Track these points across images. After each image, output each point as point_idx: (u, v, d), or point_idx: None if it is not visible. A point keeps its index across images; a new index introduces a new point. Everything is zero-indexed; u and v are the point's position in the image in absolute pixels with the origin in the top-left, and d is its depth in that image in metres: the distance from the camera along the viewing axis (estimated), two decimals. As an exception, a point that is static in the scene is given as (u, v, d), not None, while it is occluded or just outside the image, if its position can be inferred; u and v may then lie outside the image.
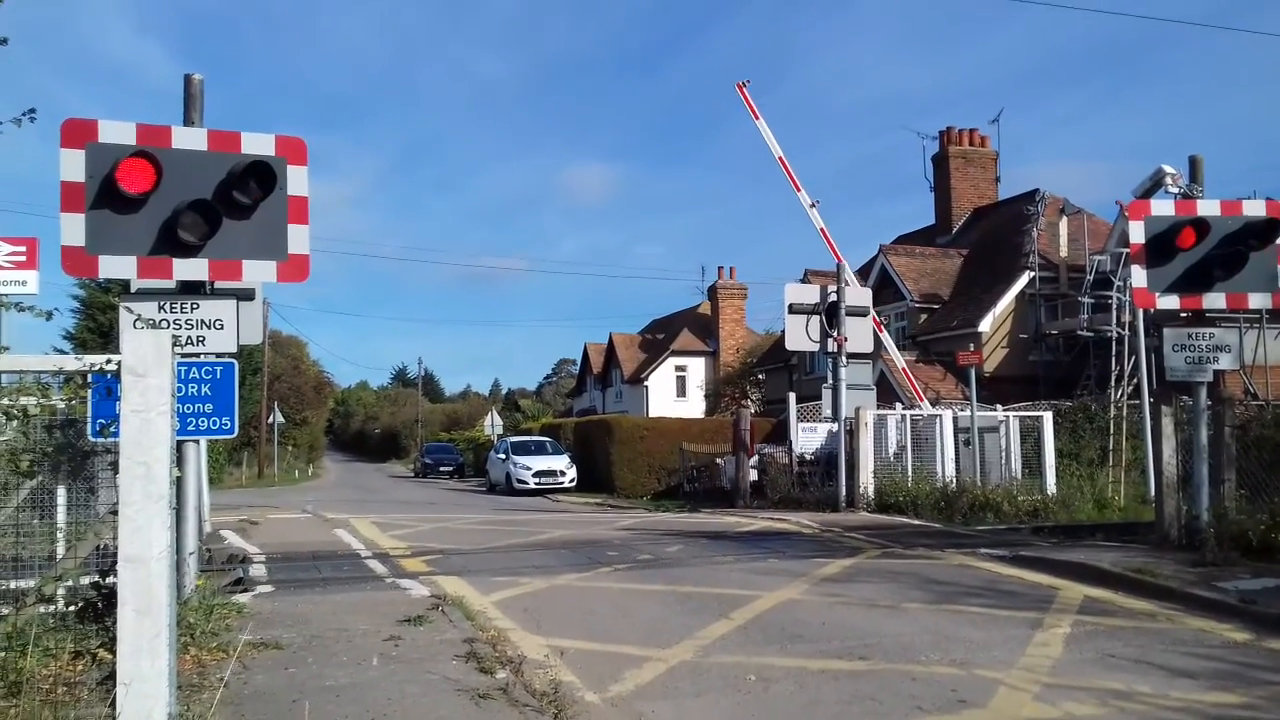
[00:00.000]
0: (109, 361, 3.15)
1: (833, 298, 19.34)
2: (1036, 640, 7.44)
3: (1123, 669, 6.53)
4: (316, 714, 5.47)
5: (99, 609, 4.03)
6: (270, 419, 54.98)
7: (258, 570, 11.91)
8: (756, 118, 24.17)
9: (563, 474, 33.75)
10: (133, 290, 8.51)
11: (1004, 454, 20.63)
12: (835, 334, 19.22)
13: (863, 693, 6.13)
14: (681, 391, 53.15)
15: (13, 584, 6.71)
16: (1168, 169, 12.27)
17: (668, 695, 6.17)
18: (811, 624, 8.22)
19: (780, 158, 24.45)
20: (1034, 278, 31.36)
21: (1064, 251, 31.99)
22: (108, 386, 5.34)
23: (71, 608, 5.83)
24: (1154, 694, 5.92)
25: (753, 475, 23.36)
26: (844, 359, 19.35)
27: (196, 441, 8.41)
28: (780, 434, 26.31)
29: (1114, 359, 25.43)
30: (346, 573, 11.79)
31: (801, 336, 19.56)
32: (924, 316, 34.15)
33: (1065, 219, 32.48)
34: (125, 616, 2.69)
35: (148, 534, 2.74)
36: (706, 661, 7.00)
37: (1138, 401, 22.10)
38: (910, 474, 19.78)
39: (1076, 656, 6.91)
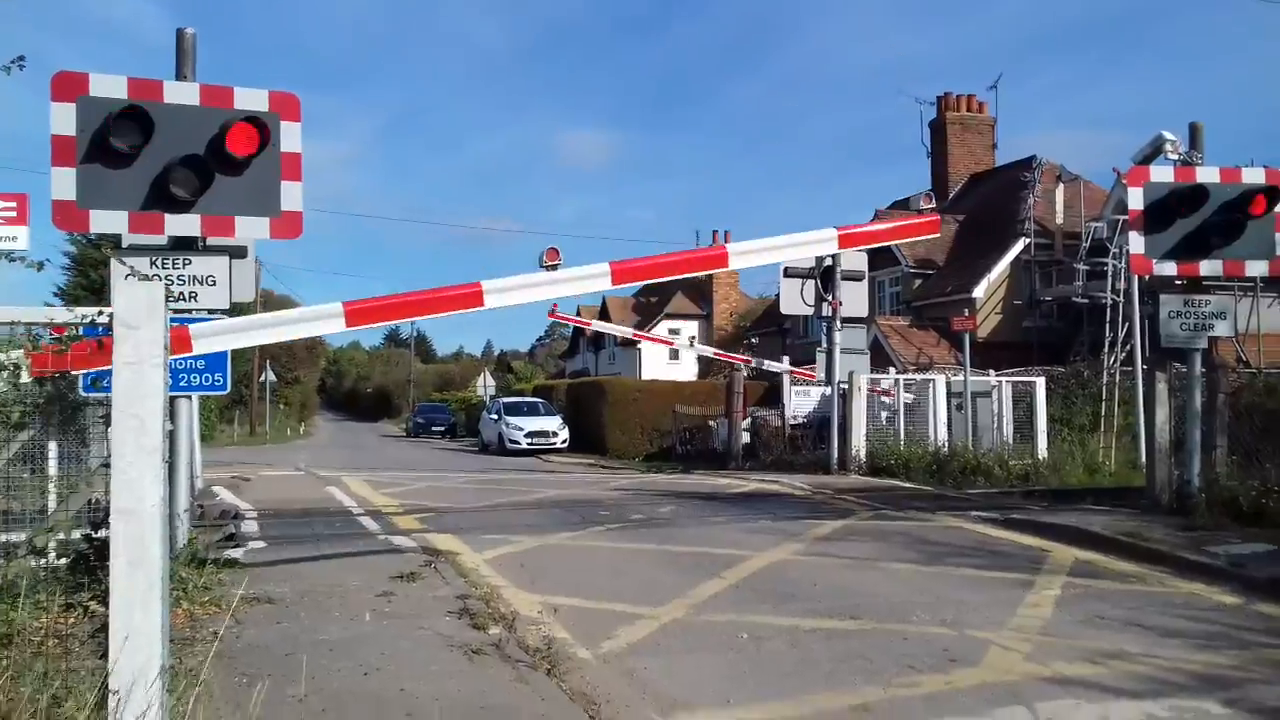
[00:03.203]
0: (101, 313, 3.11)
1: (828, 262, 19.26)
2: (1027, 601, 7.47)
3: (1113, 630, 6.56)
4: (310, 668, 5.47)
5: (91, 562, 4.01)
6: (262, 377, 54.92)
7: (250, 526, 11.92)
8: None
9: (555, 435, 33.79)
10: (124, 246, 8.43)
11: (996, 419, 20.67)
12: (830, 298, 19.17)
13: (855, 651, 6.15)
14: (674, 354, 53.13)
15: (3, 537, 6.70)
16: (1168, 135, 12.20)
17: (660, 652, 6.19)
18: (804, 584, 8.24)
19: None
20: (1029, 244, 31.29)
21: (1060, 218, 31.90)
22: (99, 339, 5.29)
23: (63, 560, 5.82)
24: (1144, 654, 5.95)
25: (745, 438, 23.42)
26: (838, 323, 19.32)
27: (189, 398, 8.38)
28: (773, 397, 26.35)
29: (1108, 326, 25.43)
30: (339, 530, 11.80)
31: (796, 300, 19.51)
32: (918, 282, 34.11)
33: (1062, 186, 32.39)
34: (118, 569, 2.67)
35: (140, 486, 2.71)
36: (699, 620, 7.02)
37: (1130, 368, 22.11)
38: (903, 437, 19.82)
39: (1067, 617, 6.94)
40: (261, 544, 10.43)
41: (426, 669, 5.56)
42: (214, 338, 6.98)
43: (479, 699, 5.02)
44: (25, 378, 3.89)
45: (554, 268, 6.43)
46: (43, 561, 5.84)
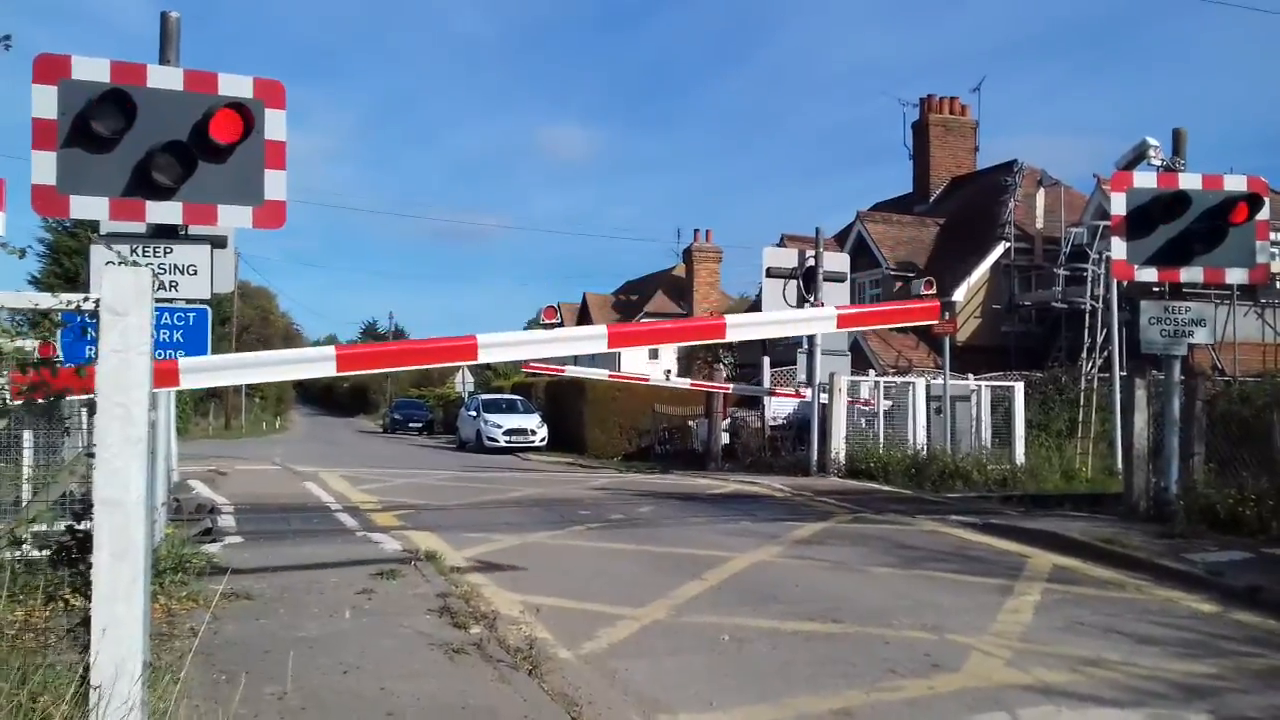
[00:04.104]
0: (86, 299, 3.05)
1: (811, 262, 19.30)
2: (1007, 607, 7.49)
3: (1092, 636, 6.58)
4: (289, 666, 5.41)
5: (72, 554, 3.94)
6: (239, 370, 54.47)
7: (226, 521, 11.82)
8: None
9: (534, 433, 33.72)
10: (103, 233, 8.33)
11: (975, 423, 20.76)
12: (812, 299, 19.19)
13: (836, 655, 6.14)
14: (654, 353, 53.10)
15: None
16: (1151, 141, 12.25)
17: (642, 653, 6.17)
18: (784, 586, 8.23)
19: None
20: (1009, 248, 31.44)
21: (1040, 223, 32.07)
22: (83, 326, 5.21)
23: (37, 553, 5.73)
24: (1123, 661, 5.97)
25: (724, 438, 23.43)
26: (820, 324, 19.34)
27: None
28: (753, 398, 26.36)
29: (1086, 331, 25.58)
30: (317, 525, 11.72)
31: (778, 300, 19.51)
32: (899, 284, 34.20)
33: (1042, 191, 32.54)
34: (101, 560, 2.62)
35: (125, 477, 2.66)
36: (680, 621, 7.00)
37: (1107, 375, 22.28)
38: (882, 441, 19.87)
39: (1047, 623, 6.96)
40: (239, 539, 10.34)
41: (407, 668, 5.52)
42: (202, 373, 6.91)
43: (460, 699, 4.98)
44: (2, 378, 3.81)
45: (551, 326, 6.43)
46: (18, 553, 5.76)
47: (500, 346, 7.42)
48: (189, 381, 6.82)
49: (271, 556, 9.03)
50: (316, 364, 6.54)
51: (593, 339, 6.99)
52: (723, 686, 5.47)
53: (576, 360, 56.14)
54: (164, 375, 6.42)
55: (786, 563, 9.37)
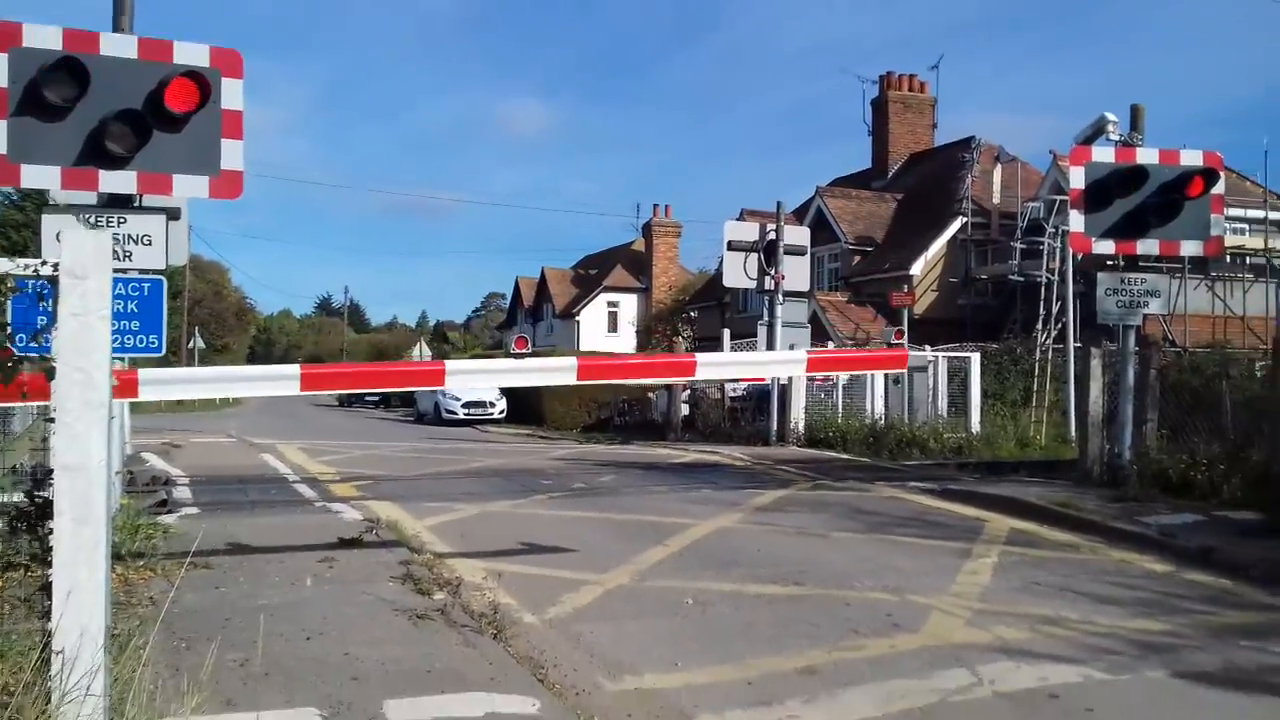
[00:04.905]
0: (44, 264, 2.98)
1: (771, 236, 19.34)
2: (966, 569, 7.59)
3: (1050, 597, 6.69)
4: (251, 633, 5.36)
5: (31, 519, 3.86)
6: (190, 344, 53.73)
7: (182, 493, 11.68)
8: None
9: (492, 405, 33.55)
10: (55, 203, 8.15)
11: (931, 393, 20.93)
12: (773, 272, 19.24)
13: (799, 616, 6.20)
14: (613, 327, 53.12)
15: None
16: (1109, 117, 12.39)
17: (605, 617, 6.19)
18: (746, 551, 8.29)
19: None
20: (966, 223, 31.73)
21: (997, 198, 32.35)
22: (39, 292, 5.08)
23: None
24: (1080, 620, 6.07)
25: (684, 410, 23.48)
26: (780, 297, 19.41)
27: (120, 359, 8.16)
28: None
29: (1041, 304, 25.86)
30: (275, 496, 11.63)
31: (739, 273, 19.56)
32: (857, 258, 34.42)
33: (999, 166, 32.80)
34: (63, 526, 2.57)
35: (86, 442, 2.61)
36: (643, 586, 7.03)
37: (1061, 346, 22.54)
38: (840, 411, 20.02)
39: (1005, 584, 7.06)
40: (195, 510, 10.22)
41: (371, 634, 5.49)
42: (163, 385, 6.78)
43: (425, 662, 4.97)
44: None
45: (521, 356, 6.39)
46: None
47: (468, 374, 7.44)
48: (149, 394, 6.68)
49: (229, 527, 8.94)
50: (280, 383, 6.44)
51: (562, 371, 6.97)
52: (687, 648, 5.51)
53: (535, 345, 55.88)
54: (123, 388, 6.33)
55: (748, 529, 9.43)
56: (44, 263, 3.03)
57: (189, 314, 55.35)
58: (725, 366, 8.60)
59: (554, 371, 7.18)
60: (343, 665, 4.89)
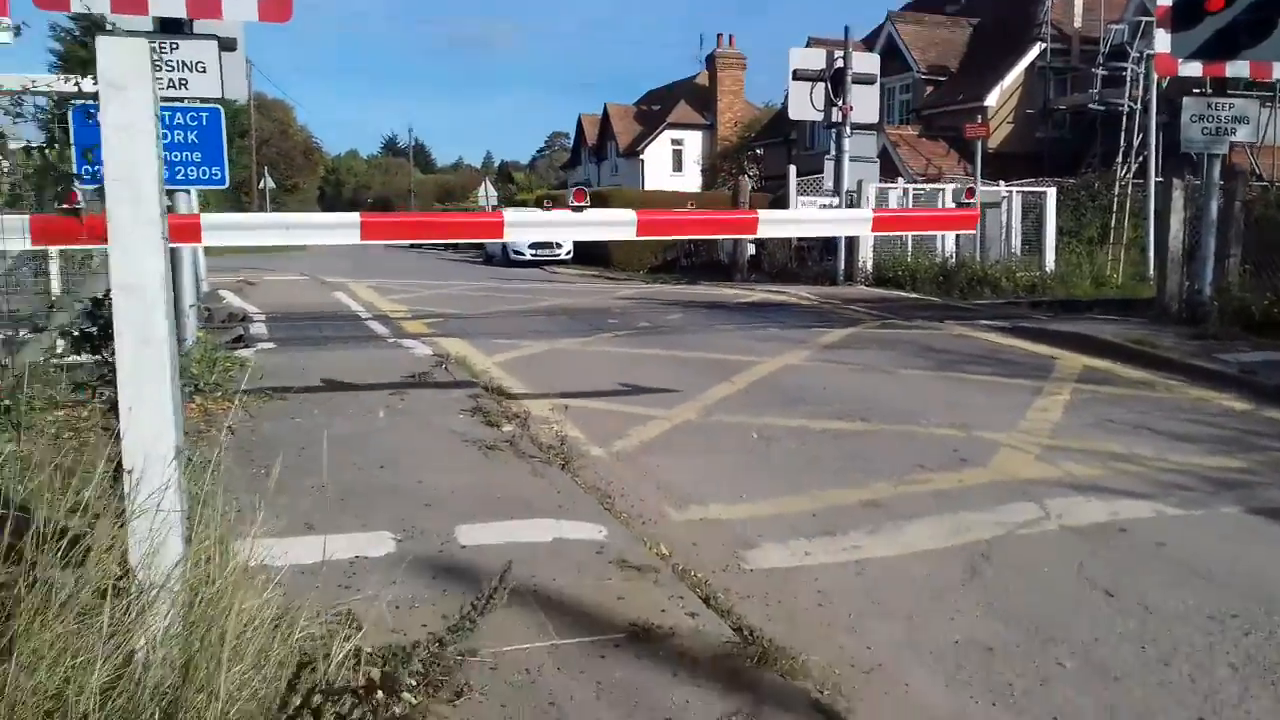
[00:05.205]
0: (86, 77, 2.92)
1: (839, 64, 18.62)
2: (1036, 406, 7.49)
3: (1123, 433, 6.59)
4: (326, 461, 5.49)
5: (95, 341, 3.95)
6: (260, 184, 54.11)
7: (258, 329, 11.94)
8: None
9: (559, 246, 33.48)
10: (107, 28, 8.04)
11: (1005, 231, 20.42)
12: (840, 103, 18.61)
13: (865, 451, 6.19)
14: (678, 166, 52.19)
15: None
16: (1205, -74, 11.55)
17: (672, 451, 6.24)
18: (812, 388, 8.26)
19: None
20: (1045, 49, 30.22)
21: (1078, 22, 30.69)
22: (86, 112, 5.06)
23: (72, 358, 5.77)
24: (1154, 457, 5.98)
25: (750, 250, 23.22)
26: (848, 129, 18.82)
27: (187, 192, 8.19)
28: (779, 208, 25.99)
29: (1123, 135, 24.79)
30: (348, 332, 11.82)
31: (805, 105, 18.96)
32: (930, 89, 33.12)
33: (1082, -13, 31.03)
34: (124, 346, 2.57)
35: (139, 259, 2.58)
36: (709, 420, 7.06)
37: (1142, 181, 21.71)
38: (910, 249, 19.65)
39: (1076, 421, 6.96)
40: (271, 345, 10.45)
41: (441, 463, 5.60)
42: (225, 231, 6.78)
43: (495, 491, 5.06)
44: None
45: (580, 209, 6.18)
46: (56, 357, 5.81)
47: (525, 226, 7.34)
48: (211, 238, 6.68)
49: (304, 361, 9.12)
50: (341, 231, 6.36)
51: (621, 225, 6.79)
52: (752, 480, 5.54)
53: (600, 176, 55.22)
54: (186, 232, 6.35)
55: (815, 366, 9.39)
56: (85, 77, 2.97)
57: (257, 153, 55.49)
58: (787, 225, 8.36)
59: (613, 226, 7.02)
60: (415, 492, 5.00)
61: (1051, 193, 20.68)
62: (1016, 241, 20.39)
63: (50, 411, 5.26)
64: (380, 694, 2.68)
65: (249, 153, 51.26)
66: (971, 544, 4.50)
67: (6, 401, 5.53)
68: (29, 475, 3.51)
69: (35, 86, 3.16)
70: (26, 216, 4.42)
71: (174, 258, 8.27)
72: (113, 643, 2.30)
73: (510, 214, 7.06)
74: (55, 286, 9.09)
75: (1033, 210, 20.62)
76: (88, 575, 2.46)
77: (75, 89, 3.13)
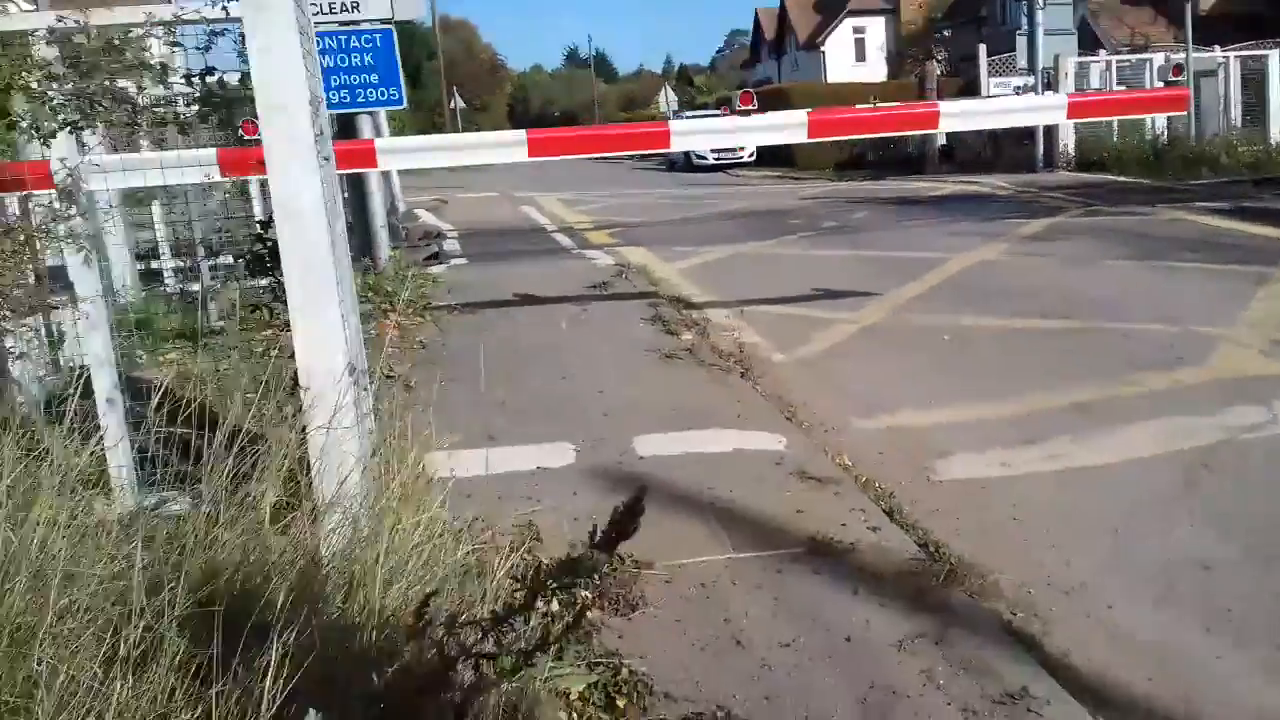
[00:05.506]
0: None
1: (1035, -70, 17.29)
2: (1260, 296, 6.83)
3: (1365, 322, 5.94)
4: (511, 372, 5.59)
5: (265, 262, 4.09)
6: (451, 104, 55.25)
7: (451, 245, 12.24)
8: None
9: (741, 148, 32.91)
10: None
11: (1222, 102, 18.71)
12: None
13: (1069, 351, 5.81)
14: (861, 55, 50.11)
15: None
16: None
17: (858, 356, 6.03)
18: (1010, 284, 7.82)
19: None
20: (1273, -104, 27.21)
21: None
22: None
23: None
24: (1402, 348, 5.38)
25: (941, 139, 22.16)
26: (1041, 1, 17.51)
27: (371, 114, 8.37)
28: (969, 95, 24.63)
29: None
30: (534, 245, 11.98)
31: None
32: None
33: None
34: (290, 266, 2.61)
35: (294, 180, 2.59)
36: (898, 322, 6.79)
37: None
38: (1115, 128, 18.26)
39: (1310, 310, 6.33)
40: (463, 260, 10.71)
41: (621, 373, 5.59)
42: (398, 154, 6.91)
43: (675, 400, 5.01)
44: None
45: (747, 113, 5.91)
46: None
47: (690, 135, 7.19)
48: (385, 162, 6.82)
49: (492, 275, 9.30)
50: (509, 149, 6.37)
51: (791, 128, 6.50)
52: (945, 385, 5.29)
53: (780, 72, 53.68)
54: (361, 156, 6.51)
55: (1012, 260, 8.88)
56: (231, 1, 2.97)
57: (445, 76, 56.57)
58: (970, 117, 7.77)
59: (783, 129, 6.75)
60: (595, 402, 5.01)
61: (1275, 56, 18.71)
62: (1236, 113, 18.65)
63: (259, 330, 5.52)
64: (556, 605, 2.67)
65: (438, 74, 52.37)
66: (1189, 451, 4.13)
67: (220, 323, 5.87)
68: (226, 386, 3.65)
69: (184, 14, 3.19)
70: (214, 149, 4.56)
71: (362, 180, 8.59)
72: (285, 556, 2.36)
73: (676, 123, 6.91)
74: (258, 211, 9.52)
75: (1254, 78, 18.76)
76: (266, 486, 2.54)
77: (224, 13, 3.15)
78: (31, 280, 3.79)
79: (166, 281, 7.61)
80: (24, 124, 3.30)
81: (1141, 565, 3.22)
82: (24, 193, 3.74)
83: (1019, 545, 3.39)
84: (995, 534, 3.48)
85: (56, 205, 3.41)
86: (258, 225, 4.29)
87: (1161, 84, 7.88)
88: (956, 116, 7.07)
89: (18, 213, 3.93)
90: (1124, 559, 3.27)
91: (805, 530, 3.36)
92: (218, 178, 4.38)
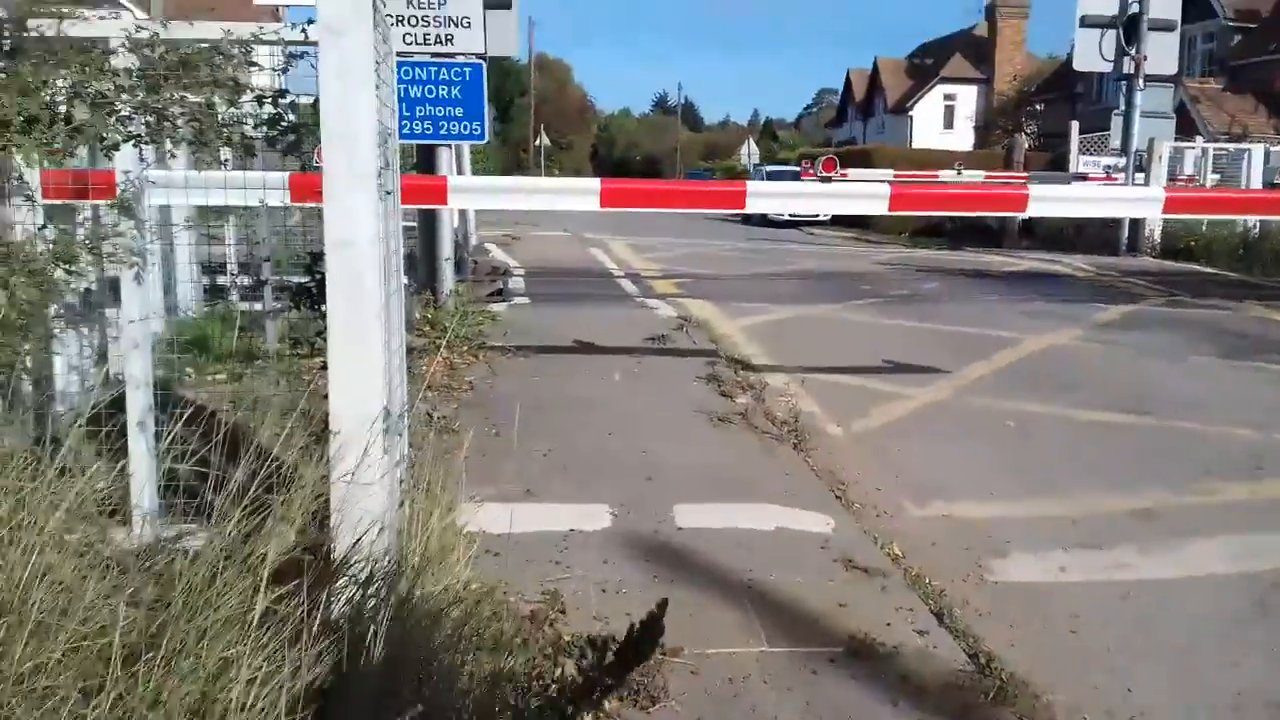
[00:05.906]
0: (311, 23, 2.84)
1: (1134, 8, 16.95)
2: (1354, 407, 6.48)
3: None
4: (557, 424, 5.46)
5: (312, 294, 4.02)
6: (537, 141, 55.94)
7: (516, 283, 12.22)
8: None
9: (818, 206, 32.78)
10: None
11: (1323, 198, 18.16)
12: (1133, 51, 16.97)
13: (1140, 449, 5.53)
14: (949, 123, 49.77)
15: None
16: None
17: (917, 435, 5.80)
18: (1082, 372, 7.53)
19: None
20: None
21: None
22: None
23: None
24: None
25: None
26: (1141, 82, 17.16)
27: (449, 146, 8.37)
28: (1057, 169, 24.23)
29: None
30: (598, 290, 11.92)
31: (1093, 54, 17.42)
32: (1237, 38, 29.83)
33: None
34: (335, 304, 2.50)
35: (354, 216, 2.50)
36: (960, 403, 6.54)
37: None
38: (1206, 217, 17.77)
39: (1406, 427, 5.96)
40: (525, 300, 10.66)
41: (669, 433, 5.43)
42: (469, 194, 6.90)
43: (720, 469, 4.84)
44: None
45: (828, 179, 5.81)
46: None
47: (768, 197, 7.17)
48: (456, 201, 6.82)
49: (552, 318, 9.22)
50: (581, 197, 6.35)
51: (872, 199, 6.40)
52: (1005, 476, 5.05)
53: (865, 133, 53.58)
54: (433, 193, 6.50)
55: (1086, 347, 8.58)
56: (310, 22, 2.91)
57: (535, 114, 57.36)
58: (1061, 203, 7.59)
59: (863, 199, 6.63)
60: (639, 463, 4.85)
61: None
62: (1337, 210, 18.07)
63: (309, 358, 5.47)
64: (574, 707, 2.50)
65: (529, 110, 53.08)
66: (1264, 572, 3.85)
67: (278, 347, 5.84)
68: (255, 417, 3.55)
69: (263, 35, 3.14)
70: (286, 174, 4.52)
71: (434, 211, 8.58)
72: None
73: (753, 185, 6.82)
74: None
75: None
76: (280, 540, 2.41)
77: (303, 36, 3.08)
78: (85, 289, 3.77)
79: (231, 298, 7.63)
80: (87, 132, 3.26)
81: (1207, 698, 2.97)
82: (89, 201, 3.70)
83: (1075, 664, 3.15)
84: (1051, 649, 3.24)
85: (113, 218, 3.36)
86: (308, 256, 4.23)
87: (1261, 183, 7.57)
88: (1047, 201, 6.87)
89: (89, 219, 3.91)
90: (1187, 689, 3.02)
91: (846, 627, 3.16)
92: (274, 203, 4.32)
